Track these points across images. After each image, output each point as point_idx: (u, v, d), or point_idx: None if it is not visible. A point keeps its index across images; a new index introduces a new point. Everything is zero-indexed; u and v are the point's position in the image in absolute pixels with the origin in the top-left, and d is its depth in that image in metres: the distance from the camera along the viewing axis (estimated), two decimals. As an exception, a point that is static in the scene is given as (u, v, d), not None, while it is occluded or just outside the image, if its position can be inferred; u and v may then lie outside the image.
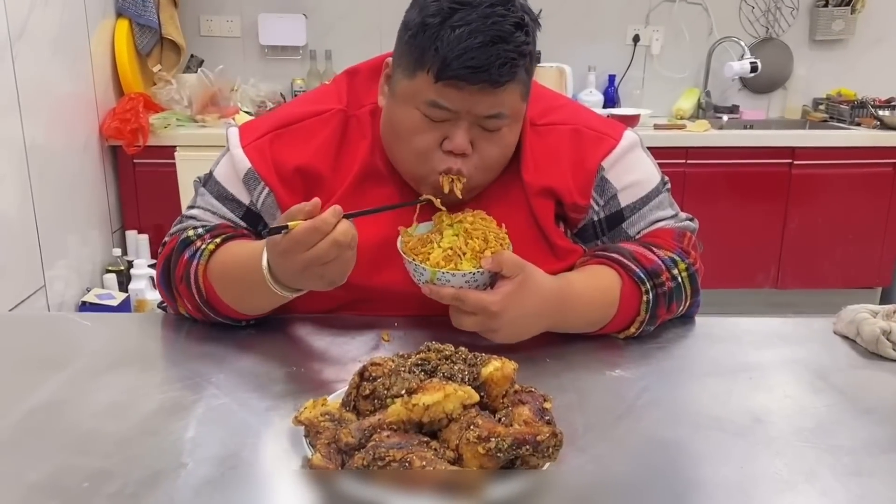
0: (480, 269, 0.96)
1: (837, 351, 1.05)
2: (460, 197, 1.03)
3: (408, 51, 0.99)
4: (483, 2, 0.95)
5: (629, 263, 1.05)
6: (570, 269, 1.12)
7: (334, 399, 0.80)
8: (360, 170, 1.08)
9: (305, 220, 0.87)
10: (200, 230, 1.07)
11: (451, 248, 0.97)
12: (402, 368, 0.76)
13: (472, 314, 0.96)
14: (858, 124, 3.35)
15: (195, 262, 1.03)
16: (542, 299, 0.97)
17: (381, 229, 1.06)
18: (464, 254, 0.97)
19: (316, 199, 0.89)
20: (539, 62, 3.43)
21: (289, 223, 0.87)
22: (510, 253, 0.98)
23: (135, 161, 2.88)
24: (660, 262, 1.06)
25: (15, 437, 0.80)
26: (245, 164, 1.08)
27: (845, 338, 1.08)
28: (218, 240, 1.04)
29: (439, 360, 0.77)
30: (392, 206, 1.02)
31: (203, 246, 1.04)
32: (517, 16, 0.96)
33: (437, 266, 0.96)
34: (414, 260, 0.97)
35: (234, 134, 1.11)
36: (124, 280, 2.76)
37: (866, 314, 1.06)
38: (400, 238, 1.02)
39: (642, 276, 1.04)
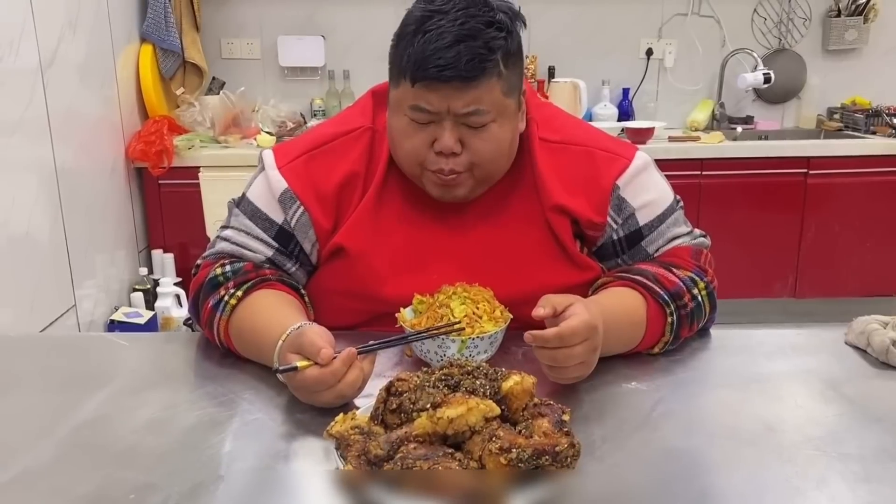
0: (502, 328, 1.02)
1: (848, 361, 1.07)
2: (463, 195, 1.10)
3: (392, 62, 1.07)
4: (455, 6, 1.01)
5: (653, 286, 1.07)
6: (591, 283, 1.15)
7: (363, 413, 0.84)
8: (385, 169, 1.14)
9: (318, 361, 0.88)
10: (228, 270, 1.10)
11: (466, 317, 1.01)
12: (427, 384, 0.79)
13: (580, 343, 0.91)
14: (874, 133, 3.35)
15: (218, 315, 1.07)
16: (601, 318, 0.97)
17: (398, 239, 1.13)
18: (479, 317, 1.01)
19: (327, 351, 0.88)
20: (553, 76, 3.47)
21: (298, 364, 0.88)
22: (549, 295, 0.97)
23: (160, 182, 2.95)
24: (681, 283, 1.08)
25: (64, 452, 0.85)
26: (281, 184, 1.13)
27: (856, 348, 1.10)
28: (240, 292, 1.07)
29: (462, 375, 0.81)
30: (417, 334, 0.99)
31: (227, 298, 1.07)
32: (489, 15, 1.01)
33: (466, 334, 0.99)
34: (446, 338, 0.99)
35: (269, 156, 1.17)
36: (150, 298, 2.83)
37: (877, 325, 1.08)
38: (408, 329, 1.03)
39: (666, 298, 1.06)
